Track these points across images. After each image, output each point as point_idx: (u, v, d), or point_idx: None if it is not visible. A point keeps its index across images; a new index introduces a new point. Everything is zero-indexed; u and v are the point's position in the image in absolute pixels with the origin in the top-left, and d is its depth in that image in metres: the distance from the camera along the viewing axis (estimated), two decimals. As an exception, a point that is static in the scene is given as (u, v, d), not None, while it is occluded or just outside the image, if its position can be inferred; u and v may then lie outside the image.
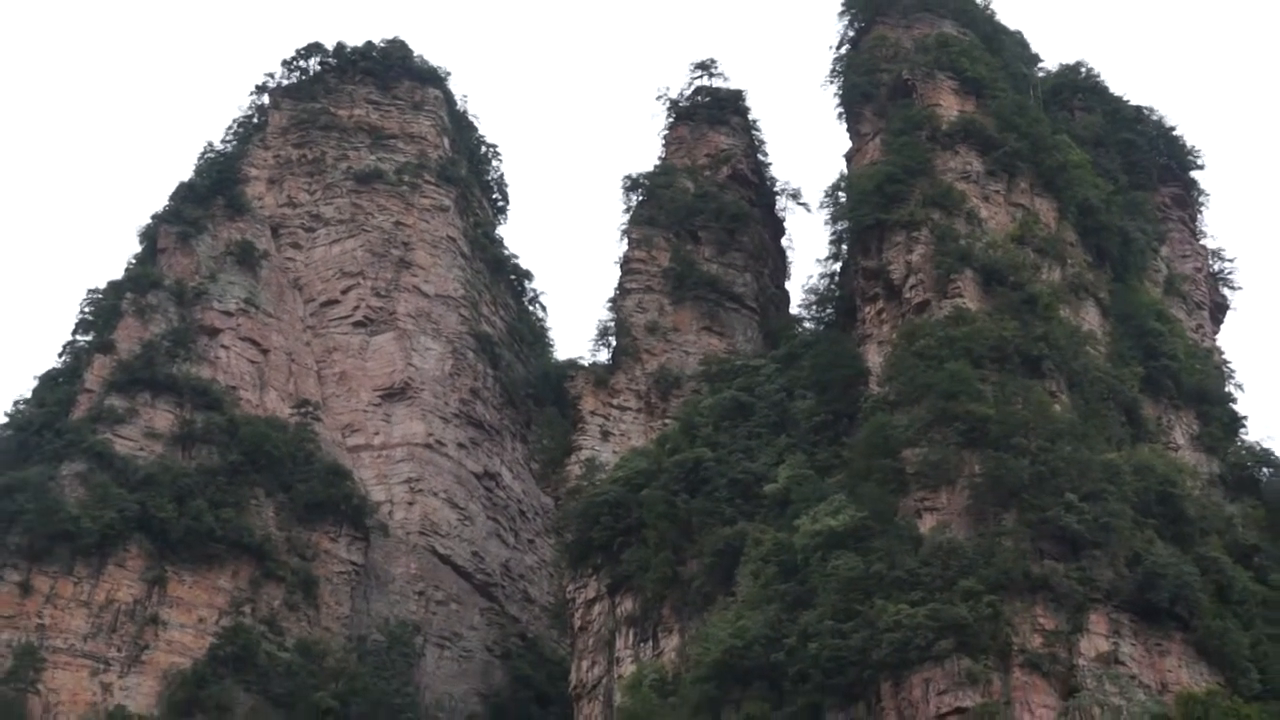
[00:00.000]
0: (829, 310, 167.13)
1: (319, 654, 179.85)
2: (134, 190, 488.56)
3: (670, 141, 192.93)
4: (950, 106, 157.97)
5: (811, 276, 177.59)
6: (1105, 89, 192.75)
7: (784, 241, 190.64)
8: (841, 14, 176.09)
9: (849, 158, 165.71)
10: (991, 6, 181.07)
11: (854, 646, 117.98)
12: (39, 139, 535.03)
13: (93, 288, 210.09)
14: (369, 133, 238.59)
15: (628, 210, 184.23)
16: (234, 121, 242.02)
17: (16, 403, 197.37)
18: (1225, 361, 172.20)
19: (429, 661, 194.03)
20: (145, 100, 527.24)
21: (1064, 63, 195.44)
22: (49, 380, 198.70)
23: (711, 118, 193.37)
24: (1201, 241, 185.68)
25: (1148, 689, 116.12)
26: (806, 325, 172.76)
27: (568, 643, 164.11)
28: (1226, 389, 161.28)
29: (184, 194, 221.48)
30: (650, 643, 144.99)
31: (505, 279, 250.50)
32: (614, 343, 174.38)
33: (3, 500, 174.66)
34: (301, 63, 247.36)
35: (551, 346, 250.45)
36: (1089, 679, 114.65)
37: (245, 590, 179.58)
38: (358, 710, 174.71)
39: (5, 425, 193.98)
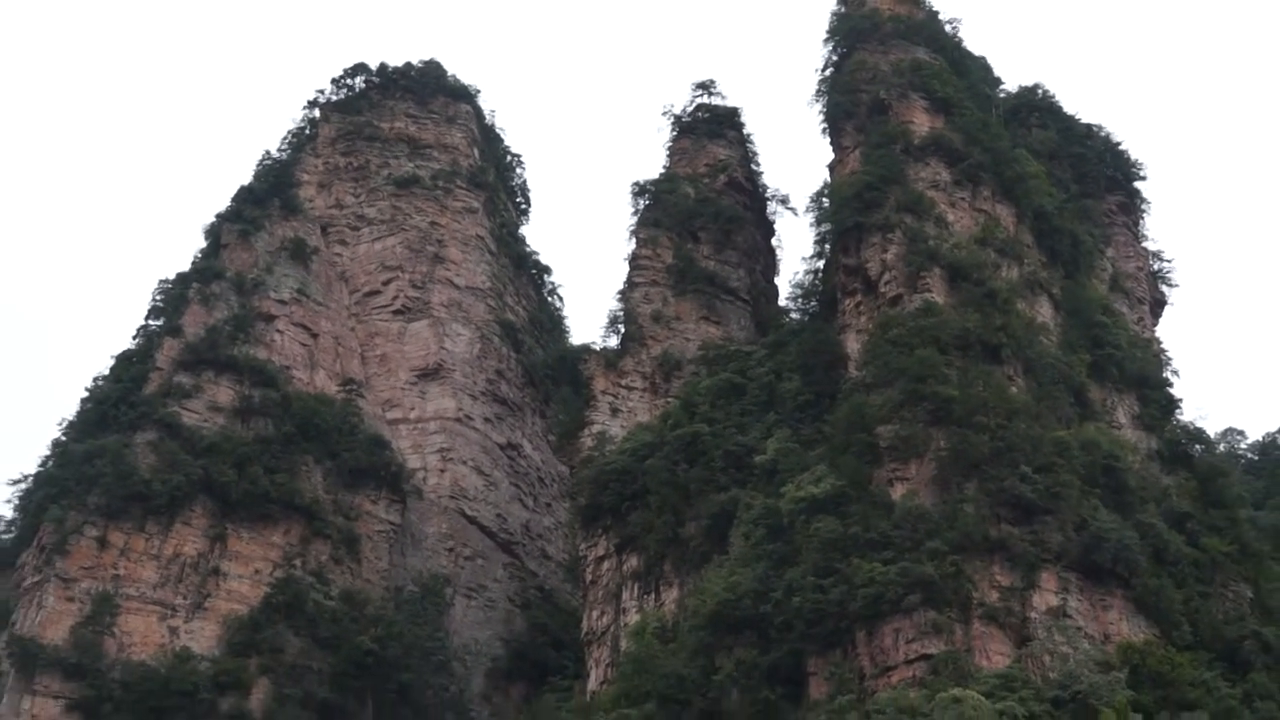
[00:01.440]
0: (813, 303, 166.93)
1: (360, 603, 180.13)
2: (200, 193, 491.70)
3: (674, 152, 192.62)
4: (922, 123, 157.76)
5: (798, 272, 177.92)
6: (1059, 108, 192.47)
7: (774, 241, 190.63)
8: (826, 40, 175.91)
9: (831, 168, 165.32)
10: (959, 35, 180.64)
11: (833, 600, 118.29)
12: (120, 150, 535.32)
13: (164, 278, 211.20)
14: (407, 143, 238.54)
15: (635, 213, 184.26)
16: (288, 133, 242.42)
17: (96, 379, 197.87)
18: (1163, 350, 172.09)
19: (457, 610, 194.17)
20: (211, 114, 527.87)
21: (1022, 85, 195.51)
22: (124, 360, 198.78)
23: (710, 132, 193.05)
24: (1143, 244, 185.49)
25: (1092, 639, 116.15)
26: (793, 316, 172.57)
27: (580, 595, 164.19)
28: (1164, 375, 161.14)
29: (244, 196, 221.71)
30: (653, 595, 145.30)
31: (527, 273, 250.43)
32: (623, 330, 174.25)
33: (83, 465, 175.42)
34: (348, 81, 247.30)
35: (567, 333, 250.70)
36: (1040, 630, 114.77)
37: (296, 546, 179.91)
38: (394, 652, 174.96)
39: (86, 399, 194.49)
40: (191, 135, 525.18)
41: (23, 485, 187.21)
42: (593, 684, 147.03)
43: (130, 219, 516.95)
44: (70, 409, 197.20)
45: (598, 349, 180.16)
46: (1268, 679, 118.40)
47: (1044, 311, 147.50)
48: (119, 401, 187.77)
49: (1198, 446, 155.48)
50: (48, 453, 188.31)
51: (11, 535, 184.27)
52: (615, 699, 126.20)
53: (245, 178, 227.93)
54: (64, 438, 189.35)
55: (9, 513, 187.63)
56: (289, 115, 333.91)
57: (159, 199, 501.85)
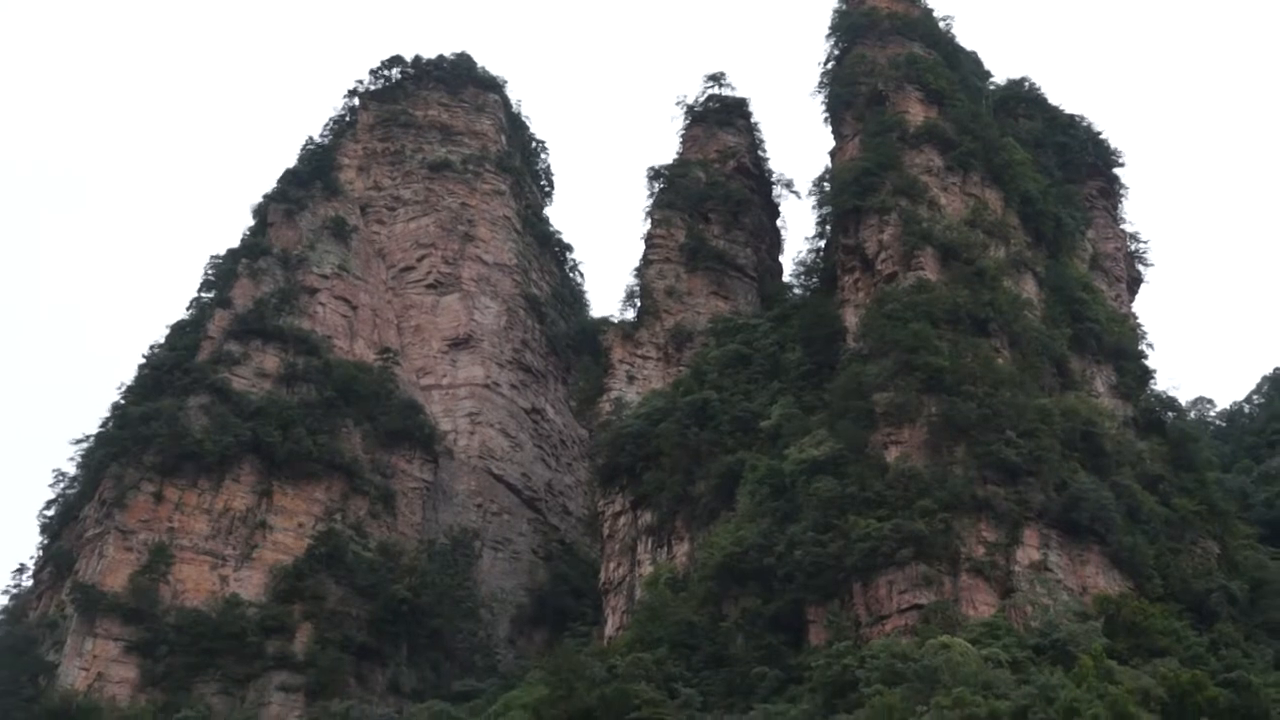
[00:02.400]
0: (814, 279, 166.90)
1: (396, 554, 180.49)
2: (248, 176, 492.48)
3: (686, 139, 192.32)
4: (917, 113, 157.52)
5: (801, 251, 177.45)
6: (1044, 100, 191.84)
7: (778, 222, 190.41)
8: (828, 36, 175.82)
9: (832, 154, 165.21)
10: (952, 31, 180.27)
11: (831, 554, 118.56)
12: (176, 139, 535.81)
13: (215, 254, 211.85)
14: (440, 130, 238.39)
15: (651, 195, 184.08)
16: (330, 120, 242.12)
17: (152, 347, 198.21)
18: (1139, 325, 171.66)
19: (485, 561, 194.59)
20: (258, 104, 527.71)
21: (1011, 78, 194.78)
22: (178, 329, 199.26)
23: (721, 120, 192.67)
24: (1121, 226, 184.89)
25: (1071, 591, 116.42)
26: (796, 291, 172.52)
27: (598, 548, 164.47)
28: (1139, 347, 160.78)
29: (289, 179, 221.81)
30: (665, 549, 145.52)
31: (550, 251, 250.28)
32: (638, 304, 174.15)
33: (140, 426, 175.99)
34: (385, 72, 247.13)
35: (587, 306, 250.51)
36: (1023, 582, 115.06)
37: (337, 502, 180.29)
38: (426, 600, 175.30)
39: (143, 365, 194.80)
40: (240, 123, 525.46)
41: (85, 444, 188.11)
42: (610, 630, 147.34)
43: (183, 199, 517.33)
44: (129, 375, 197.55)
45: (615, 321, 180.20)
46: (1233, 629, 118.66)
47: (1029, 288, 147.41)
48: (174, 368, 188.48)
49: (1170, 414, 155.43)
50: (107, 414, 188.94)
51: (75, 490, 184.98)
52: (630, 644, 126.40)
53: (290, 162, 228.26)
54: (123, 401, 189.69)
55: (72, 469, 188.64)
56: (330, 104, 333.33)
57: (212, 181, 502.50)
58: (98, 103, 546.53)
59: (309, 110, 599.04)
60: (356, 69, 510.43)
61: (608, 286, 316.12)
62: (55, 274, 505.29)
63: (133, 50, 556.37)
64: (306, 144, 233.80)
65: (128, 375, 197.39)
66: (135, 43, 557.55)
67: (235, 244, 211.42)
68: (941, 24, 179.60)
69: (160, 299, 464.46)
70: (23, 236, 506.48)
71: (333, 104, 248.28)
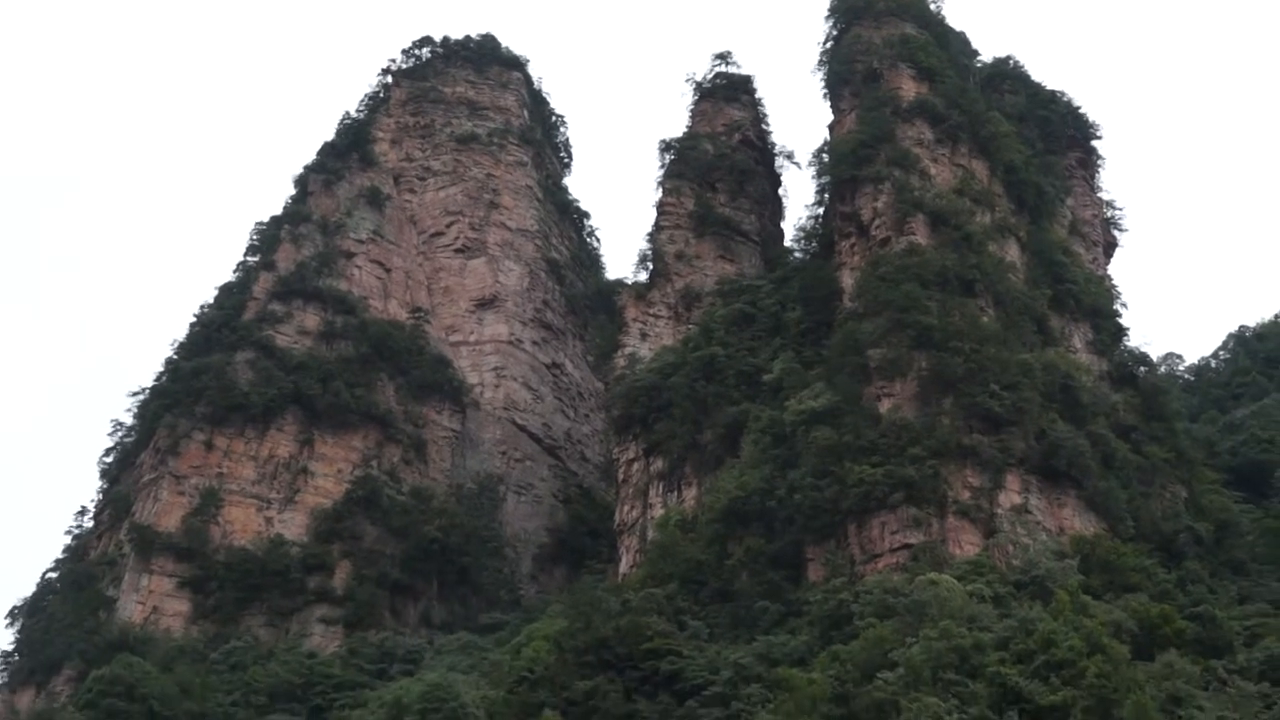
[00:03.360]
0: (814, 244, 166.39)
1: (427, 498, 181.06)
2: (290, 149, 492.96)
3: (695, 114, 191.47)
4: (909, 90, 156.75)
5: (801, 218, 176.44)
6: (1028, 77, 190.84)
7: (780, 191, 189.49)
8: (827, 17, 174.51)
9: (831, 128, 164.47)
10: (942, 12, 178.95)
11: (828, 497, 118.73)
12: (226, 116, 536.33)
13: (259, 221, 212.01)
14: (467, 105, 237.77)
15: (662, 166, 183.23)
16: (365, 96, 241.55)
17: (202, 307, 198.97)
18: (1114, 286, 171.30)
19: (509, 504, 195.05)
20: (300, 83, 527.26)
21: (996, 56, 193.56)
22: (226, 290, 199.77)
23: (727, 96, 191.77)
24: (1098, 194, 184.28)
25: (1049, 532, 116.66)
26: (796, 255, 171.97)
27: (613, 492, 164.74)
28: (1114, 307, 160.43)
29: (328, 151, 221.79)
30: (675, 493, 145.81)
31: (569, 218, 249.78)
32: (651, 267, 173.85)
33: (192, 380, 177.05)
34: (416, 52, 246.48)
35: (603, 269, 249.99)
36: (1005, 524, 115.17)
37: (372, 449, 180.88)
38: (455, 540, 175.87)
39: (194, 324, 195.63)
40: (283, 100, 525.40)
41: (141, 397, 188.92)
42: (624, 568, 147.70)
43: (230, 170, 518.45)
44: (180, 333, 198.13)
45: (629, 283, 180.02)
46: (1199, 566, 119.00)
47: (1012, 252, 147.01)
48: (222, 326, 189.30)
49: (1142, 368, 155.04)
50: (162, 369, 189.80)
51: (132, 439, 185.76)
52: (643, 580, 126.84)
53: (328, 135, 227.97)
54: (175, 356, 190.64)
55: (129, 420, 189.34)
56: (365, 82, 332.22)
57: (257, 154, 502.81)
58: (170, 80, 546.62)
59: (346, 88, 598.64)
60: (389, 49, 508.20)
61: (622, 250, 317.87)
62: (112, 239, 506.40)
63: (197, 36, 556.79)
64: (343, 119, 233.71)
65: (180, 333, 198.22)
66: (199, 30, 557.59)
67: (278, 211, 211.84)
68: (932, 6, 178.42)
69: (209, 263, 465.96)
70: (100, 200, 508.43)
71: (367, 82, 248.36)
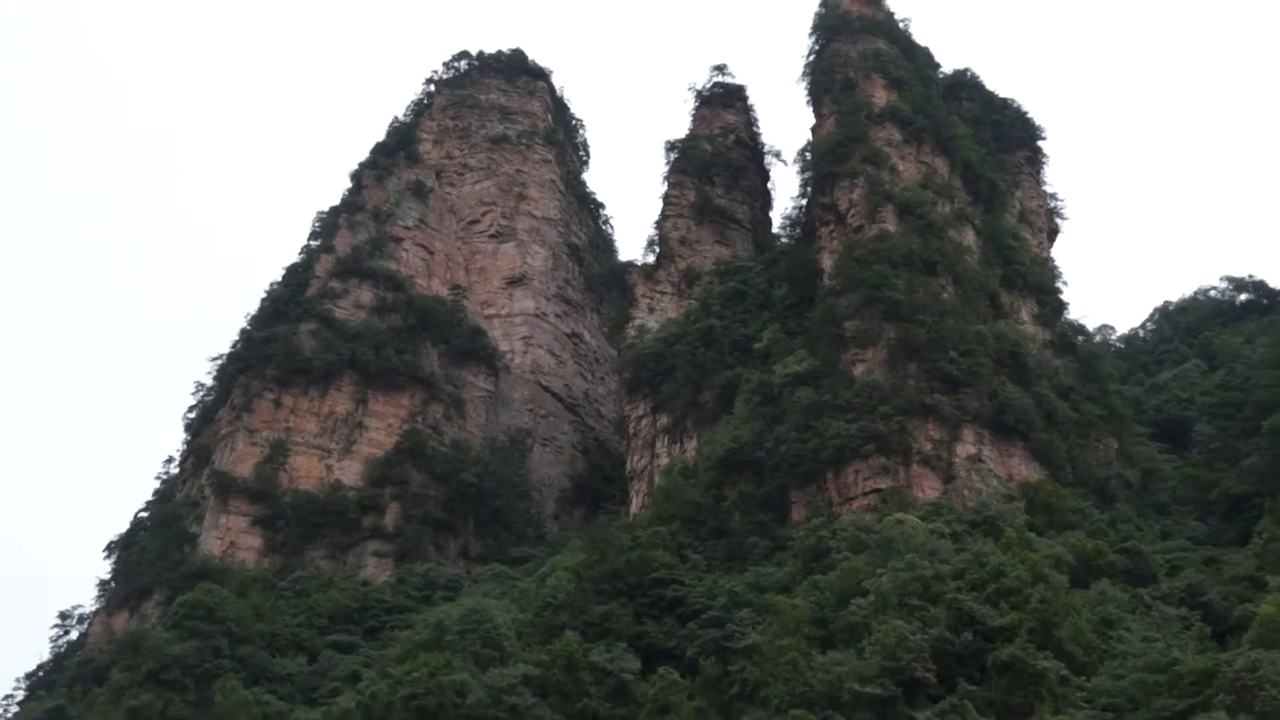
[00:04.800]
0: (798, 230, 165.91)
1: (465, 448, 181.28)
2: (347, 148, 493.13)
3: (696, 118, 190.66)
4: (880, 97, 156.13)
5: (787, 208, 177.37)
6: (983, 86, 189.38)
7: (769, 185, 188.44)
8: (810, 34, 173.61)
9: (813, 130, 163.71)
10: (909, 30, 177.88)
11: (809, 449, 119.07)
12: (298, 120, 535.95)
13: (320, 211, 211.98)
14: (499, 111, 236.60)
15: (667, 163, 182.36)
16: (411, 103, 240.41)
17: (271, 284, 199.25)
18: (1056, 266, 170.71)
19: (535, 454, 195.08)
20: (356, 91, 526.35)
21: (956, 68, 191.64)
22: (292, 270, 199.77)
23: (724, 103, 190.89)
24: (1043, 187, 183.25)
25: (999, 478, 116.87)
26: (783, 240, 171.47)
27: (625, 444, 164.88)
28: (1056, 284, 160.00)
29: (379, 150, 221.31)
30: (678, 445, 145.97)
31: (587, 208, 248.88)
32: (657, 250, 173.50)
33: (262, 347, 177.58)
34: (455, 64, 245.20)
35: (616, 252, 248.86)
36: (961, 471, 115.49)
37: (418, 407, 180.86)
38: (489, 485, 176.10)
39: (264, 299, 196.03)
40: (341, 106, 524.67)
41: (219, 362, 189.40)
42: (634, 509, 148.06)
43: (298, 165, 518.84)
44: (253, 307, 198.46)
45: (639, 264, 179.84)
46: (1127, 508, 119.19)
47: (968, 237, 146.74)
48: (288, 301, 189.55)
49: (1079, 338, 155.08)
50: (236, 338, 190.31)
51: (211, 398, 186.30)
52: (650, 520, 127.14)
53: (380, 136, 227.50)
54: (248, 327, 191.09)
55: (209, 381, 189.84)
56: (411, 90, 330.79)
57: (319, 153, 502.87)
58: (247, 93, 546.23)
59: (395, 96, 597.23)
60: (432, 62, 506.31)
61: (632, 236, 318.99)
62: (199, 224, 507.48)
63: (267, 58, 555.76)
64: (393, 123, 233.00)
65: (252, 307, 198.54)
66: (269, 52, 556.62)
67: (337, 203, 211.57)
68: (900, 24, 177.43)
69: (277, 246, 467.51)
70: (198, 197, 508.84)
71: (413, 91, 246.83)
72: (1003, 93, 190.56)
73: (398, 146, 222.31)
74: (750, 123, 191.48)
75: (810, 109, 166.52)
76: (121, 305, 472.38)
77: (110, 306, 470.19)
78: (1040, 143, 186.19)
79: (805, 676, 79.14)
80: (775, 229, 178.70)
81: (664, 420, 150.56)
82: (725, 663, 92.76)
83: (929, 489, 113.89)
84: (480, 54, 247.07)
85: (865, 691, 76.45)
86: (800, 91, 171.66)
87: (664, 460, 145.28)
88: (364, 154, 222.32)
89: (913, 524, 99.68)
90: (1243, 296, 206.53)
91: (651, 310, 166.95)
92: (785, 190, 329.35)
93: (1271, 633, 71.30)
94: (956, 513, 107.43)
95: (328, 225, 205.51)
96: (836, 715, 75.30)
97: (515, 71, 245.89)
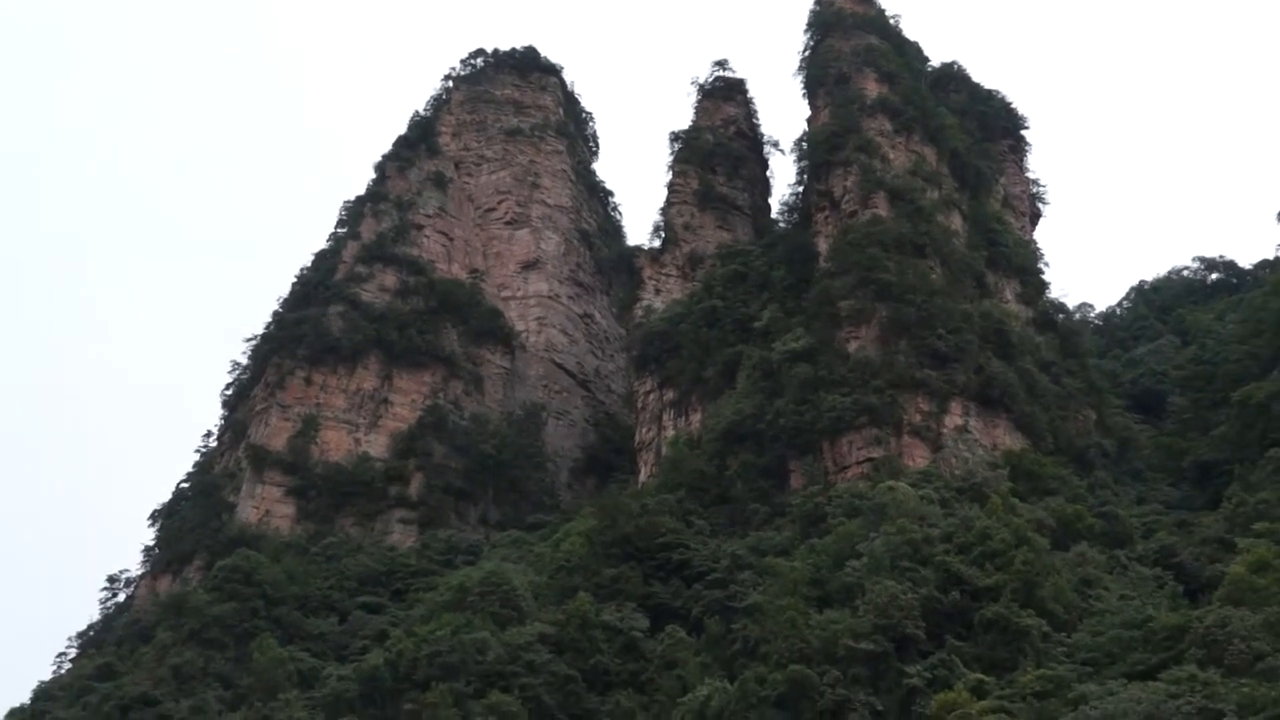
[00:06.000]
0: (795, 216, 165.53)
1: (484, 422, 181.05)
2: (372, 141, 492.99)
3: (699, 110, 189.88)
4: (872, 90, 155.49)
5: (785, 195, 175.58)
6: (969, 78, 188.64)
7: (768, 173, 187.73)
8: (806, 30, 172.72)
9: (809, 121, 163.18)
10: (900, 26, 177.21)
11: (807, 420, 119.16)
12: (325, 114, 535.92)
13: (347, 200, 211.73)
14: (513, 105, 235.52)
15: (672, 153, 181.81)
16: (431, 97, 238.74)
17: (302, 269, 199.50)
18: (1038, 248, 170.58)
19: (549, 427, 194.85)
20: (379, 87, 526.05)
21: (944, 62, 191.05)
22: (321, 256, 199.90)
23: (725, 96, 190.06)
24: (1026, 174, 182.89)
25: (985, 448, 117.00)
26: (781, 225, 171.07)
27: (633, 417, 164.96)
28: (1038, 265, 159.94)
29: (401, 143, 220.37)
30: (684, 417, 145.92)
31: (597, 196, 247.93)
32: (663, 235, 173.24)
33: (294, 328, 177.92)
34: (472, 61, 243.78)
35: (624, 237, 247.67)
36: (949, 441, 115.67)
37: (440, 384, 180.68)
38: (506, 456, 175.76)
39: (295, 283, 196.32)
40: (366, 102, 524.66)
41: (253, 342, 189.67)
42: (642, 478, 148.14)
43: (321, 160, 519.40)
44: (285, 290, 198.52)
45: (646, 248, 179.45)
46: (1105, 474, 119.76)
47: (955, 222, 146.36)
48: (318, 284, 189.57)
49: (1060, 315, 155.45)
50: (269, 320, 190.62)
51: (246, 376, 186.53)
52: (658, 488, 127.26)
53: (402, 130, 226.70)
54: (280, 309, 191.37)
55: (244, 360, 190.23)
56: (430, 86, 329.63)
57: (344, 146, 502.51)
58: (278, 90, 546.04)
59: (416, 91, 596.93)
60: (450, 60, 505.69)
61: (640, 222, 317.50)
62: (233, 212, 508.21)
63: (301, 50, 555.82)
64: (414, 117, 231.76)
65: (284, 291, 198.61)
66: (296, 51, 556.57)
67: (362, 192, 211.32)
68: (891, 20, 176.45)
69: (307, 234, 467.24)
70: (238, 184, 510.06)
71: (432, 87, 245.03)
72: (988, 85, 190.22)
73: (419, 139, 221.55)
74: (750, 114, 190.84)
75: (806, 101, 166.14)
76: (160, 295, 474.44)
77: (150, 297, 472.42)
78: (1023, 132, 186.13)
79: (803, 634, 79.37)
80: (774, 214, 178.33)
81: (670, 395, 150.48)
82: (728, 621, 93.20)
83: (919, 458, 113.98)
84: (495, 52, 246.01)
85: (859, 647, 76.90)
86: (797, 85, 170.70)
87: (670, 432, 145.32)
88: (387, 147, 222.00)
89: (903, 491, 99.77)
90: (1214, 276, 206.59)
91: (658, 292, 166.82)
92: (783, 178, 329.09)
93: (1240, 591, 71.53)
94: (944, 480, 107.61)
95: (354, 214, 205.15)
96: (832, 670, 75.59)
97: (528, 68, 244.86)
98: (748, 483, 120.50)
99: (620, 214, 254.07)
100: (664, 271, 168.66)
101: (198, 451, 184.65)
